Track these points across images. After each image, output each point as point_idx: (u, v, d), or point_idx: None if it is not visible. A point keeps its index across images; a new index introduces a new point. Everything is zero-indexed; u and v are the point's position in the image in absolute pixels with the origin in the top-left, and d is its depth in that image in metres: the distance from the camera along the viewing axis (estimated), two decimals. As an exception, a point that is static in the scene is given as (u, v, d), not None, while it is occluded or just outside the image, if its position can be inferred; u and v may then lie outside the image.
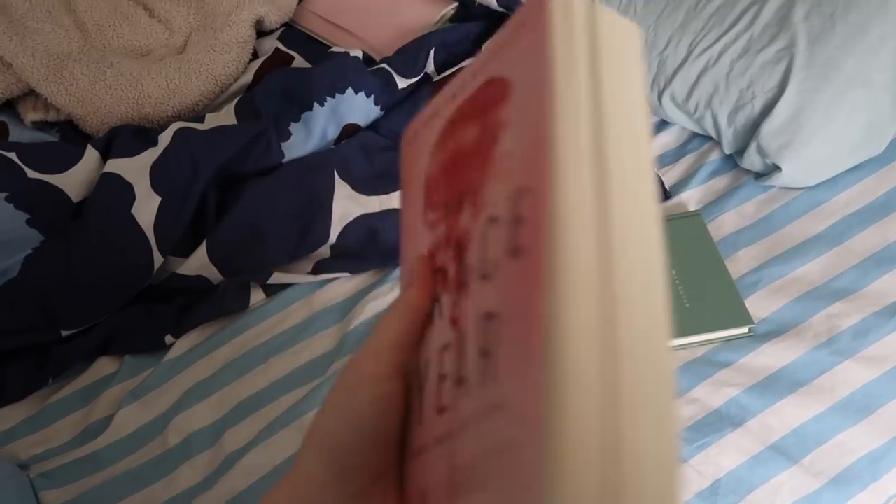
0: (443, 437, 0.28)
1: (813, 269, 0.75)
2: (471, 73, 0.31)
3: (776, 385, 0.68)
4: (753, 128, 0.81)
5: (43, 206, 0.76)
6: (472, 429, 0.26)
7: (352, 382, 0.30)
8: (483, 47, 0.31)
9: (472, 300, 0.28)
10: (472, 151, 0.30)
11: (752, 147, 0.80)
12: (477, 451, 0.25)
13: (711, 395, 0.68)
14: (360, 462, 0.29)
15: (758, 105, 0.80)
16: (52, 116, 0.88)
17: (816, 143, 0.77)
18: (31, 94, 0.88)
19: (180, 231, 0.77)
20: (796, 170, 0.79)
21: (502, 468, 0.23)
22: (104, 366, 0.76)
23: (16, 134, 0.86)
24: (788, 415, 0.66)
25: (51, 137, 0.88)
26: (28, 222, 0.76)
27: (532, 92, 0.27)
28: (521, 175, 0.26)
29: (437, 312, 0.31)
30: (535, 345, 0.22)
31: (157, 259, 0.76)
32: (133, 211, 0.76)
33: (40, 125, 0.89)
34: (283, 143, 0.84)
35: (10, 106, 0.89)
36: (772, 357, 0.69)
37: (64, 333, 0.75)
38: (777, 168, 0.80)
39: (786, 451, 0.64)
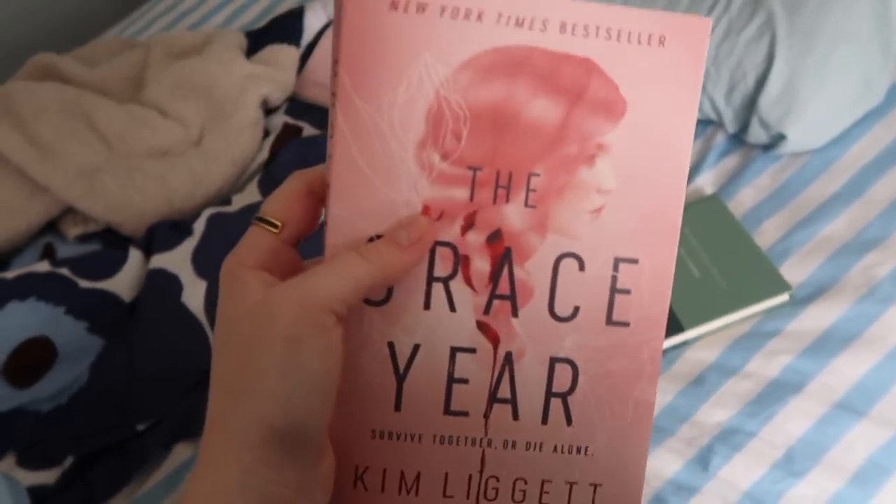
0: None
1: (839, 226, 0.77)
2: (555, 16, 0.27)
3: (827, 344, 0.68)
4: (751, 103, 0.83)
5: (99, 312, 0.81)
6: None
7: (294, 331, 0.25)
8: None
9: (534, 332, 0.29)
10: (539, 135, 0.28)
11: (754, 121, 0.83)
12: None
13: (766, 365, 0.69)
14: (313, 424, 0.26)
15: (751, 81, 0.82)
16: (92, 228, 0.93)
17: (815, 105, 0.79)
18: (69, 211, 0.93)
19: (229, 310, 0.81)
20: (801, 134, 0.81)
21: None
22: (182, 452, 0.79)
23: (62, 250, 0.91)
24: (846, 371, 0.67)
25: (94, 247, 0.93)
26: (88, 330, 0.80)
27: (664, 143, 0.27)
28: (627, 239, 0.28)
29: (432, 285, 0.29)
30: None
31: (213, 340, 0.80)
32: (183, 299, 0.80)
33: (83, 238, 0.94)
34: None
35: (52, 226, 0.95)
36: (817, 318, 0.70)
37: (139, 427, 0.78)
38: (782, 136, 0.81)
39: (851, 407, 0.65)
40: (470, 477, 0.30)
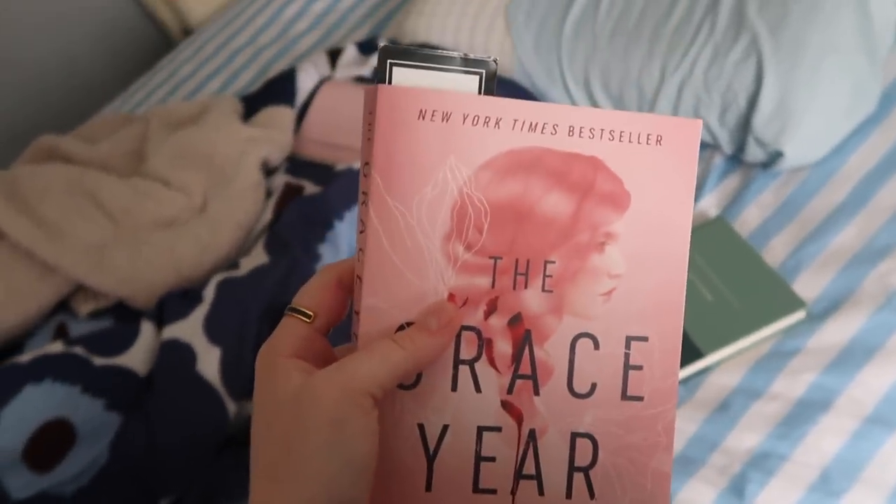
0: None
1: (848, 237, 0.76)
2: (563, 121, 0.30)
3: (850, 358, 0.68)
4: (745, 123, 0.83)
5: (115, 388, 0.80)
6: None
7: (338, 414, 0.26)
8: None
9: (555, 409, 0.31)
10: (553, 226, 0.30)
11: (750, 141, 0.83)
12: None
13: (791, 385, 0.68)
14: (354, 496, 0.27)
15: (742, 101, 0.83)
16: (102, 303, 0.94)
17: (809, 119, 0.79)
18: (80, 288, 0.94)
19: (246, 375, 0.81)
20: (799, 149, 0.81)
21: None
22: (207, 522, 0.78)
23: (75, 328, 0.91)
24: (873, 383, 0.66)
25: (107, 323, 0.93)
26: (106, 407, 0.80)
27: (666, 229, 0.30)
28: (637, 319, 0.30)
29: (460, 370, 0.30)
30: None
31: (231, 407, 0.79)
32: (197, 368, 0.79)
33: (95, 314, 0.94)
34: (316, 266, 0.89)
35: (63, 305, 0.95)
36: (837, 332, 0.70)
37: (163, 502, 0.77)
38: (780, 153, 0.82)
39: (883, 420, 0.64)
40: None
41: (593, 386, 0.31)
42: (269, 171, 1.07)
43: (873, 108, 0.83)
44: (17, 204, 0.95)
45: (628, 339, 0.31)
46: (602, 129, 0.30)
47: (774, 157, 0.83)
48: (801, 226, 0.79)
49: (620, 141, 0.30)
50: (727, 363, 0.71)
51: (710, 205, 0.85)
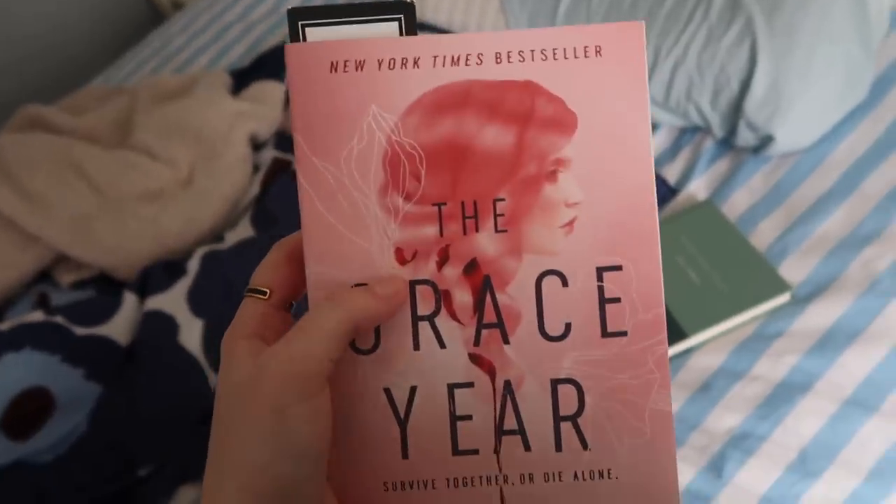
0: None
1: (835, 223, 0.76)
2: (489, 48, 0.28)
3: (832, 342, 0.68)
4: (737, 107, 0.83)
5: (96, 358, 0.80)
6: None
7: (273, 402, 0.25)
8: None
9: (530, 356, 0.29)
10: (496, 162, 0.28)
11: (742, 125, 0.83)
12: None
13: (772, 367, 0.68)
14: (306, 491, 0.26)
15: (735, 85, 0.82)
16: (85, 274, 0.93)
17: (801, 104, 0.79)
18: (62, 259, 0.93)
19: (227, 347, 0.80)
20: (789, 134, 0.81)
21: None
22: (187, 493, 0.78)
23: (56, 298, 0.91)
24: (854, 367, 0.66)
25: (89, 293, 0.93)
26: (85, 377, 0.79)
27: (622, 146, 0.28)
28: (605, 247, 0.28)
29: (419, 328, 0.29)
30: None
31: (213, 379, 0.79)
32: (180, 340, 0.79)
33: (77, 285, 0.93)
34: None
35: (45, 275, 0.95)
36: (820, 316, 0.70)
37: (142, 473, 0.77)
38: (771, 138, 0.81)
39: (862, 403, 0.64)
40: None
41: (568, 326, 0.29)
42: (257, 145, 1.06)
43: (865, 96, 0.83)
44: (1, 173, 0.94)
45: (599, 271, 0.28)
46: (532, 51, 0.28)
47: (765, 141, 0.83)
48: (789, 211, 0.79)
49: (555, 59, 0.28)
50: (710, 344, 0.71)
51: (700, 188, 0.85)
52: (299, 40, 0.28)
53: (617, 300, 0.29)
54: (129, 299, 0.84)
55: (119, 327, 0.82)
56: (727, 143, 0.88)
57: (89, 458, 0.76)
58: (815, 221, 0.77)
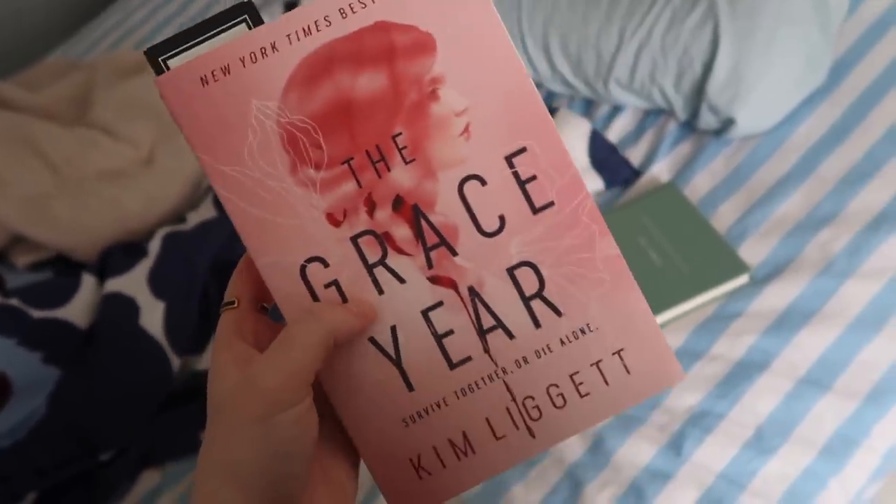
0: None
1: (793, 205, 0.78)
2: (331, 8, 0.30)
3: (789, 322, 0.69)
4: (700, 89, 0.84)
5: (54, 341, 0.78)
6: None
7: (261, 411, 0.27)
8: None
9: (480, 257, 0.31)
10: (380, 103, 0.30)
11: (704, 107, 0.84)
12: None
13: (731, 347, 0.69)
14: (290, 488, 0.28)
15: (698, 67, 0.83)
16: (43, 255, 0.91)
17: (761, 88, 0.80)
18: (19, 239, 0.91)
19: (190, 330, 0.79)
20: (750, 117, 0.82)
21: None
22: (149, 479, 0.77)
23: (12, 280, 0.88)
24: (809, 346, 0.68)
25: (46, 275, 0.91)
26: (43, 361, 0.77)
27: (483, 45, 0.30)
28: (505, 137, 0.30)
29: (377, 273, 0.31)
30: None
31: (175, 362, 0.78)
32: (141, 322, 0.78)
33: (34, 266, 0.91)
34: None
35: (1, 256, 0.92)
36: (777, 297, 0.71)
37: (102, 457, 0.76)
38: (732, 121, 0.82)
39: (816, 381, 0.66)
40: (508, 409, 0.32)
41: (501, 218, 0.31)
42: (220, 124, 1.04)
43: (823, 80, 0.84)
44: (-48, 150, 0.91)
45: (508, 159, 0.31)
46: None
47: (726, 124, 0.84)
48: (749, 193, 0.80)
49: None
50: (671, 325, 0.72)
51: (662, 170, 0.86)
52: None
53: (533, 178, 0.31)
54: (88, 281, 0.82)
55: (78, 310, 0.80)
56: (690, 125, 0.89)
57: (48, 442, 0.75)
58: (773, 204, 0.78)
